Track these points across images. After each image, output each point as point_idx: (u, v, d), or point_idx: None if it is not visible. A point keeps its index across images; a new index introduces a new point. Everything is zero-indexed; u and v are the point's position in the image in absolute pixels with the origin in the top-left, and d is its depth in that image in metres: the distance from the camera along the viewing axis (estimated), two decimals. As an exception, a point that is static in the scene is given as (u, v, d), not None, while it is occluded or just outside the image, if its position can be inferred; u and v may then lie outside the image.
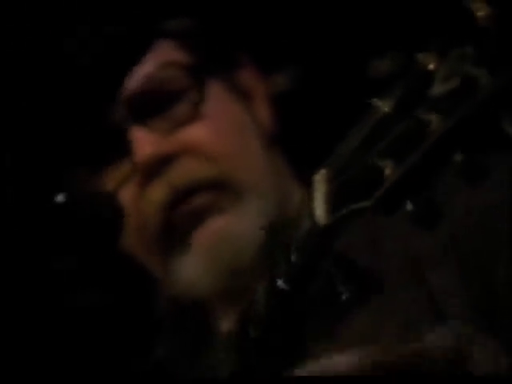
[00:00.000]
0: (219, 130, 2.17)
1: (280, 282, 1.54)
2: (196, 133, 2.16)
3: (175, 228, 2.13)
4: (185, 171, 2.14)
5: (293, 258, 1.51)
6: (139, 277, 2.22)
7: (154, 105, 2.18)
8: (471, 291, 1.94)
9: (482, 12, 1.24)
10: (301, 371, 1.64)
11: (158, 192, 2.13)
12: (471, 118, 1.27)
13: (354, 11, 2.74)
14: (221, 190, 2.13)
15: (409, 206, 1.33)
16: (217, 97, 2.21)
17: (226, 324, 1.68)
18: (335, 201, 1.43)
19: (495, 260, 1.93)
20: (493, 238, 1.94)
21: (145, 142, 2.14)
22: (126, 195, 2.13)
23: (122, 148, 2.15)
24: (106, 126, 2.16)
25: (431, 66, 1.29)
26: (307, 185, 1.49)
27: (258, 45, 2.33)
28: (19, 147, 2.20)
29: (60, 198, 1.85)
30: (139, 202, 2.14)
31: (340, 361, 1.65)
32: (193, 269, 2.10)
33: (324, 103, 1.86)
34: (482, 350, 1.88)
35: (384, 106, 1.36)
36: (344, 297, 1.49)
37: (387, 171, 1.32)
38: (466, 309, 1.94)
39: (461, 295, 1.95)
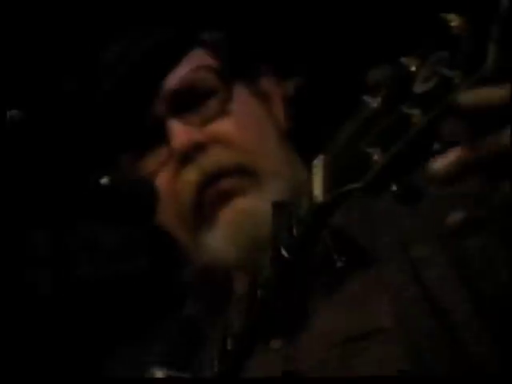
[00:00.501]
0: (243, 125, 2.19)
1: (283, 252, 1.53)
2: (224, 126, 2.17)
3: (205, 206, 2.14)
4: (214, 158, 2.15)
5: (294, 231, 1.50)
6: (172, 247, 2.23)
7: (189, 101, 2.19)
8: (446, 258, 1.96)
9: (455, 22, 1.25)
10: None
11: (191, 175, 2.14)
12: (447, 113, 1.27)
13: (351, 30, 2.77)
14: (244, 175, 2.14)
15: (393, 188, 1.32)
16: (241, 98, 2.23)
17: (242, 287, 1.68)
18: (331, 182, 1.42)
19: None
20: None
21: (180, 132, 2.15)
22: (164, 177, 2.15)
23: (161, 137, 2.17)
24: (148, 118, 2.18)
25: (413, 68, 1.29)
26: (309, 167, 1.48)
27: (275, 57, 2.33)
28: (79, 136, 2.23)
29: (104, 180, 1.87)
30: (175, 183, 2.15)
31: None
32: (219, 241, 2.11)
33: (324, 103, 1.86)
34: None
35: (373, 102, 1.35)
36: (338, 265, 1.49)
37: (375, 157, 1.32)
38: (443, 272, 1.95)
39: (439, 263, 1.96)
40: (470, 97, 1.28)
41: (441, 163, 1.33)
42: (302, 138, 2.23)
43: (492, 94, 1.33)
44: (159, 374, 1.95)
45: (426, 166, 1.34)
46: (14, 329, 2.47)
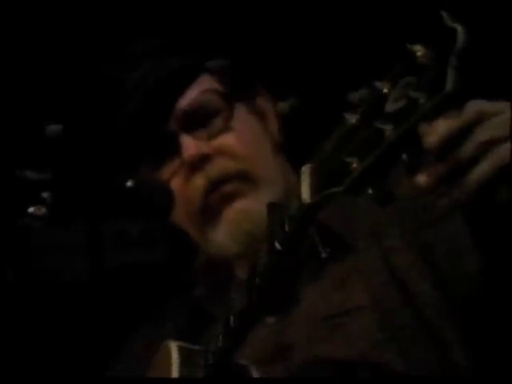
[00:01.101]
0: (243, 139, 2.20)
1: (277, 245, 1.54)
2: (227, 140, 2.18)
3: (210, 207, 2.14)
4: (218, 167, 2.16)
5: (286, 227, 1.51)
6: (184, 241, 2.24)
7: (197, 119, 2.20)
8: (414, 247, 1.97)
9: (420, 53, 1.26)
10: None
11: (199, 181, 2.15)
12: (414, 129, 1.28)
13: (334, 62, 2.77)
14: (243, 181, 2.15)
15: (369, 191, 1.33)
16: (241, 116, 2.23)
17: (242, 274, 1.67)
18: (316, 186, 1.43)
19: (421, 225, 1.98)
20: (423, 210, 1.98)
21: (190, 145, 2.16)
22: (176, 183, 2.15)
23: (174, 150, 2.18)
24: (163, 133, 2.19)
25: (385, 90, 1.30)
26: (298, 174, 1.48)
27: (270, 82, 2.33)
28: (109, 148, 2.24)
29: (129, 183, 1.89)
30: (185, 188, 2.15)
31: None
32: (222, 236, 2.13)
33: (312, 120, 1.87)
34: None
35: (352, 118, 1.36)
36: (323, 255, 1.48)
37: (354, 166, 1.33)
38: (411, 259, 1.97)
39: (407, 252, 1.98)
40: (432, 140, 1.33)
41: (423, 177, 1.36)
42: (292, 149, 2.22)
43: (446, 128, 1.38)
44: (174, 345, 1.96)
45: (413, 178, 1.37)
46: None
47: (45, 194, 1.81)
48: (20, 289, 1.77)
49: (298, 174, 1.50)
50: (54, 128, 1.86)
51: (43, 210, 1.82)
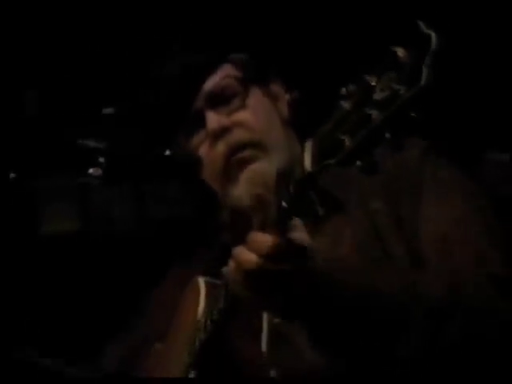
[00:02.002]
0: (256, 115, 2.19)
1: (283, 203, 1.55)
2: (243, 115, 2.18)
3: (230, 169, 2.14)
4: (236, 137, 2.15)
5: (291, 189, 1.53)
6: (211, 196, 2.25)
7: (220, 99, 2.19)
8: (393, 212, 1.97)
9: (401, 53, 1.29)
10: None
11: (220, 148, 2.14)
12: (396, 113, 1.30)
13: (333, 59, 2.77)
14: (256, 148, 2.14)
15: (358, 163, 1.36)
16: (256, 96, 2.22)
17: (256, 222, 1.65)
18: (316, 158, 1.45)
19: (404, 193, 1.97)
20: (404, 180, 1.99)
21: (214, 120, 2.16)
22: (203, 149, 2.16)
23: (201, 123, 2.18)
24: (192, 111, 2.19)
25: (373, 83, 1.32)
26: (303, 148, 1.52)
27: (284, 71, 2.34)
28: (154, 124, 2.25)
29: (167, 151, 1.91)
30: (210, 154, 2.15)
31: None
32: (240, 191, 2.12)
33: (314, 105, 1.86)
34: None
35: (346, 105, 1.38)
36: (320, 213, 1.50)
37: (346, 142, 1.35)
38: (388, 219, 1.97)
39: (386, 213, 1.97)
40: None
41: None
42: (299, 128, 2.23)
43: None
44: (202, 280, 1.98)
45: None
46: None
47: (101, 159, 1.84)
48: (82, 236, 1.81)
49: (302, 146, 1.51)
50: (108, 109, 1.89)
51: (100, 171, 1.85)
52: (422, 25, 1.29)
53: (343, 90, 1.40)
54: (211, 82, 2.21)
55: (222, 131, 2.15)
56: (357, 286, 1.67)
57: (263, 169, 2.11)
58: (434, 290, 1.71)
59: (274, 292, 1.62)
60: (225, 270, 1.66)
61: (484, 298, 1.75)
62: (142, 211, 1.87)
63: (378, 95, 1.32)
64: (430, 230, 1.91)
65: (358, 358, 1.73)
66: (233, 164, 2.15)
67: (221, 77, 2.22)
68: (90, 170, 1.82)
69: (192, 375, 1.83)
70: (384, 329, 1.67)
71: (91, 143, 1.84)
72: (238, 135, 2.16)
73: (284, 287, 1.61)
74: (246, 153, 2.14)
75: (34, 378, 2.01)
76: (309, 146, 1.47)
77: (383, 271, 1.78)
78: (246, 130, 2.17)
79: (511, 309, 1.76)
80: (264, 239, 1.59)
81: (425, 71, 1.26)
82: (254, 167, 2.13)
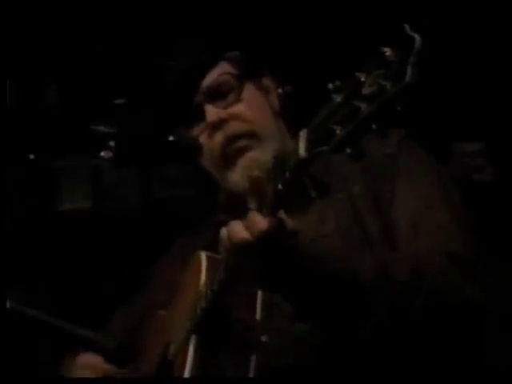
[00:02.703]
0: (251, 108, 2.16)
1: (279, 186, 1.52)
2: (239, 108, 2.15)
3: (228, 156, 2.12)
4: (232, 128, 2.12)
5: (286, 174, 1.49)
6: (210, 179, 2.23)
7: (217, 93, 2.16)
8: (372, 195, 1.95)
9: (388, 53, 1.27)
10: None
11: (218, 138, 2.12)
12: (383, 106, 1.27)
13: (324, 56, 2.75)
14: (251, 138, 2.11)
15: (348, 150, 1.33)
16: (250, 91, 2.19)
17: (252, 205, 1.61)
18: (310, 146, 1.42)
19: (381, 178, 1.95)
20: (382, 166, 1.97)
21: (212, 112, 2.14)
22: (203, 139, 2.13)
23: (201, 116, 2.15)
24: (193, 104, 2.16)
25: (362, 79, 1.30)
26: (295, 136, 1.47)
27: (275, 67, 2.31)
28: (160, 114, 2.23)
29: (171, 137, 1.89)
30: (209, 142, 2.12)
31: None
32: (237, 177, 2.10)
33: (308, 98, 1.84)
34: None
35: (337, 97, 1.36)
36: (312, 195, 1.50)
37: (337, 132, 1.33)
38: (367, 203, 1.95)
39: (366, 197, 1.96)
40: None
41: None
42: (288, 117, 2.22)
43: None
44: (203, 254, 1.95)
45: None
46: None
47: (112, 143, 1.82)
48: (94, 212, 1.79)
49: (295, 136, 1.48)
50: (119, 100, 1.87)
51: (110, 154, 1.83)
52: (407, 28, 1.27)
53: (330, 85, 1.38)
54: (209, 78, 2.18)
55: (220, 123, 2.13)
56: (336, 264, 1.66)
57: (258, 156, 2.09)
58: (401, 272, 1.69)
59: (260, 265, 1.61)
60: (221, 234, 1.64)
61: (446, 279, 1.72)
62: (148, 191, 1.84)
63: (366, 90, 1.30)
64: (401, 214, 1.89)
65: (331, 330, 1.74)
66: (230, 152, 2.12)
67: (218, 73, 2.19)
68: (102, 153, 1.80)
69: (193, 340, 1.80)
70: (355, 306, 1.66)
71: (103, 129, 1.81)
72: (235, 126, 2.13)
73: (269, 262, 1.60)
74: (242, 142, 2.12)
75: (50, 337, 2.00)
76: (303, 134, 1.45)
77: (358, 254, 1.75)
78: (242, 121, 2.14)
79: (472, 288, 1.74)
80: (260, 221, 1.56)
81: (409, 69, 1.24)
82: (250, 155, 2.10)
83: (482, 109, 2.93)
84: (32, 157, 1.77)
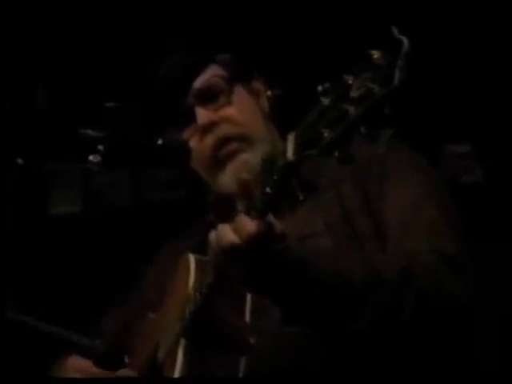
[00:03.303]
0: (241, 110, 2.16)
1: (267, 189, 1.51)
2: (229, 111, 2.15)
3: (218, 159, 2.11)
4: (223, 130, 2.12)
5: (275, 176, 1.49)
6: (200, 183, 2.22)
7: (208, 96, 2.16)
8: (361, 195, 1.94)
9: (376, 55, 1.27)
10: None
11: (209, 141, 2.11)
12: (371, 109, 1.27)
13: (314, 58, 2.75)
14: (242, 141, 2.11)
15: (336, 153, 1.33)
16: (240, 94, 2.19)
17: (241, 207, 1.61)
18: (298, 148, 1.42)
19: (370, 178, 1.95)
20: (371, 166, 1.96)
21: (203, 115, 2.13)
22: (193, 142, 2.12)
23: (192, 118, 2.14)
24: (184, 107, 2.15)
25: (350, 82, 1.29)
26: (285, 138, 1.46)
27: (264, 70, 2.31)
28: (149, 116, 2.20)
29: (160, 141, 1.88)
30: (200, 145, 2.12)
31: None
32: (227, 179, 2.09)
33: (296, 101, 1.84)
34: None
35: (325, 101, 1.35)
36: (300, 198, 1.46)
37: (326, 135, 1.32)
38: (357, 202, 1.94)
39: (354, 196, 1.95)
40: None
41: None
42: (282, 122, 2.21)
43: None
44: (192, 256, 1.94)
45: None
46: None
47: (100, 147, 1.81)
48: (84, 216, 1.78)
49: (284, 138, 1.47)
50: (108, 103, 1.87)
51: (99, 158, 1.82)
52: (395, 30, 1.26)
53: (319, 88, 1.37)
54: (200, 81, 2.18)
55: (211, 126, 2.12)
56: (325, 266, 1.65)
57: (248, 159, 2.08)
58: (390, 271, 1.68)
59: (248, 268, 1.60)
60: (209, 237, 1.63)
61: (435, 278, 1.71)
62: (138, 194, 1.83)
63: (354, 93, 1.29)
64: (390, 213, 1.88)
65: (321, 330, 1.73)
66: (221, 155, 2.11)
67: (208, 76, 2.18)
68: (90, 157, 1.78)
69: (182, 343, 1.80)
70: (345, 306, 1.65)
71: (91, 132, 1.80)
72: (225, 129, 2.12)
73: (257, 266, 1.59)
74: (233, 145, 2.11)
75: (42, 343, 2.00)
76: (291, 137, 1.44)
77: (348, 254, 1.76)
78: (232, 124, 2.13)
79: (461, 287, 1.74)
80: (248, 224, 1.55)
81: (397, 72, 1.24)
82: (240, 158, 2.10)
83: (471, 110, 2.94)
84: (20, 161, 1.76)
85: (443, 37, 2.76)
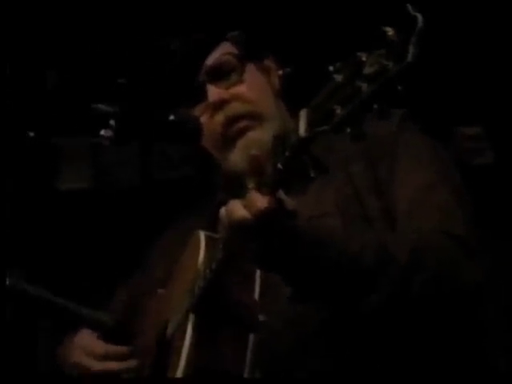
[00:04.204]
0: (252, 88, 2.16)
1: (279, 165, 1.51)
2: (240, 89, 2.14)
3: (228, 137, 2.11)
4: (234, 108, 2.12)
5: (286, 152, 1.49)
6: (209, 160, 2.23)
7: (219, 74, 2.16)
8: (372, 174, 1.94)
9: (390, 32, 1.26)
10: None
11: (219, 118, 2.12)
12: (384, 86, 1.27)
13: (328, 38, 2.74)
14: (252, 119, 2.11)
15: (348, 130, 1.32)
16: (251, 71, 2.19)
17: (251, 184, 1.59)
18: (310, 125, 1.42)
19: (381, 157, 1.94)
20: (382, 146, 1.95)
21: (214, 92, 2.13)
22: (204, 119, 2.11)
23: (203, 95, 2.14)
24: (196, 84, 2.16)
25: (364, 58, 1.29)
26: (295, 116, 1.46)
27: (276, 48, 2.31)
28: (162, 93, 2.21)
29: (172, 117, 1.89)
30: (210, 122, 2.12)
31: None
32: (237, 157, 2.09)
33: (309, 79, 1.84)
34: None
35: (338, 77, 1.35)
36: (312, 175, 1.46)
37: (338, 111, 1.32)
38: (367, 182, 1.94)
39: (364, 175, 1.95)
40: None
41: None
42: (288, 97, 2.21)
43: None
44: (202, 233, 1.95)
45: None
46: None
47: (112, 122, 1.82)
48: (93, 191, 1.79)
49: (295, 117, 1.47)
50: (121, 80, 1.87)
51: (110, 133, 1.83)
52: (409, 7, 1.25)
53: (331, 68, 1.37)
54: (212, 58, 2.18)
55: (222, 103, 2.12)
56: (336, 244, 1.65)
57: (258, 137, 2.08)
58: (401, 250, 1.68)
59: (258, 245, 1.59)
60: (220, 213, 1.62)
61: (446, 257, 1.71)
62: (148, 170, 1.84)
63: (367, 70, 1.28)
64: (401, 194, 1.88)
65: (331, 309, 1.74)
66: (231, 133, 2.11)
67: (220, 53, 2.18)
68: (102, 132, 1.79)
69: (191, 318, 1.80)
70: (356, 285, 1.65)
71: (104, 107, 1.80)
72: (236, 107, 2.13)
73: (267, 242, 1.59)
74: (243, 123, 2.11)
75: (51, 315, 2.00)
76: (303, 114, 1.44)
77: (359, 234, 1.75)
78: (243, 102, 2.13)
79: (472, 267, 1.73)
80: (259, 200, 1.55)
81: (411, 48, 1.23)
82: (250, 135, 2.10)
83: (482, 92, 2.93)
84: (32, 134, 1.76)
85: (456, 18, 2.74)
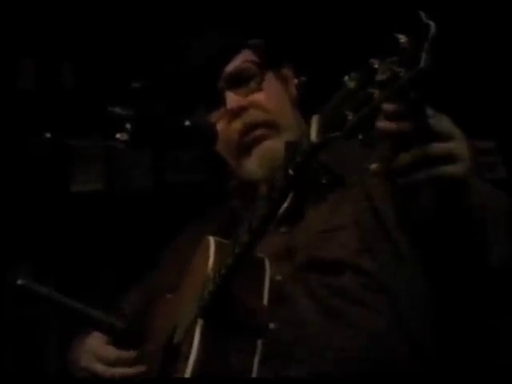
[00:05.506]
0: (270, 97, 2.17)
1: (290, 171, 1.52)
2: (259, 97, 2.16)
3: (245, 145, 2.13)
4: (252, 116, 2.13)
5: (298, 159, 1.50)
6: (225, 167, 2.24)
7: (238, 81, 2.17)
8: (385, 186, 1.92)
9: (403, 39, 1.27)
10: None
11: (237, 125, 2.13)
12: (396, 92, 1.28)
13: (341, 46, 2.75)
14: (269, 127, 2.12)
15: (360, 136, 1.34)
16: (270, 80, 2.20)
17: (264, 191, 1.63)
18: (322, 131, 1.43)
19: None
20: None
21: (233, 99, 2.14)
22: (221, 125, 2.13)
23: (221, 102, 2.16)
24: (214, 90, 2.16)
25: (376, 66, 1.30)
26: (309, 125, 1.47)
27: (294, 58, 2.32)
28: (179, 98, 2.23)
29: (187, 122, 1.90)
30: (227, 129, 2.13)
31: None
32: (252, 165, 2.11)
33: (321, 85, 1.85)
34: None
35: (350, 84, 1.37)
36: (323, 181, 1.48)
37: (350, 117, 1.33)
38: (383, 194, 1.93)
39: (382, 189, 1.93)
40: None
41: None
42: (306, 106, 2.18)
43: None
44: (212, 238, 1.96)
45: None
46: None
47: (127, 125, 1.84)
48: (106, 194, 1.81)
49: (308, 122, 1.49)
50: (136, 83, 1.89)
51: (126, 137, 1.85)
52: (422, 15, 1.27)
53: (346, 78, 1.38)
54: (232, 65, 2.19)
55: (240, 110, 2.14)
56: (479, 201, 1.65)
57: (275, 146, 2.09)
58: None
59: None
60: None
61: None
62: (160, 174, 1.85)
63: (379, 76, 1.30)
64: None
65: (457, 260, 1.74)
66: (247, 141, 2.13)
67: (241, 61, 2.19)
68: (118, 135, 1.81)
69: (199, 323, 1.81)
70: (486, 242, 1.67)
71: (119, 111, 1.83)
72: (254, 115, 2.14)
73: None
74: (260, 131, 2.12)
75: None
76: (315, 120, 1.45)
77: (380, 246, 1.83)
78: (261, 110, 2.15)
79: None
80: None
81: (424, 56, 1.25)
82: (267, 144, 2.11)
83: (495, 106, 2.92)
84: (48, 135, 1.78)
85: (470, 31, 2.74)
